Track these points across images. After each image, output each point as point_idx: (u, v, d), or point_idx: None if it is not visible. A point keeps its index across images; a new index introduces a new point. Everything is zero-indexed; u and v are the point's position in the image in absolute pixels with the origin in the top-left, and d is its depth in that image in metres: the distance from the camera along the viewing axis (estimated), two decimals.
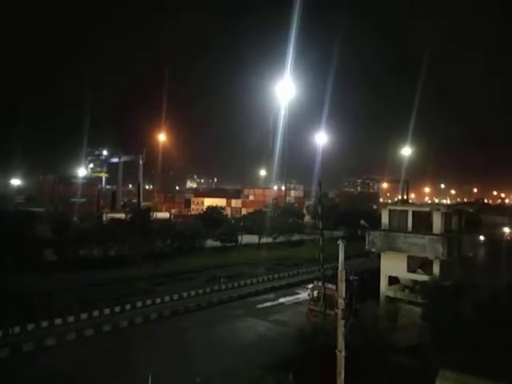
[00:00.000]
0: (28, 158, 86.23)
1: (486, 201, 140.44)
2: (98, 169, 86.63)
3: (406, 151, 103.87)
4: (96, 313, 23.56)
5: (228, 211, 70.18)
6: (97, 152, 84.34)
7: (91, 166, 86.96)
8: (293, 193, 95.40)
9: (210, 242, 45.45)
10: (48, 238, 36.18)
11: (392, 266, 22.16)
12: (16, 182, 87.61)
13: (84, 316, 23.02)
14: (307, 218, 66.45)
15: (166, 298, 27.04)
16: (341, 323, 10.64)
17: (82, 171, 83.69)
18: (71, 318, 22.49)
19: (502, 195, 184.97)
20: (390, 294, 21.98)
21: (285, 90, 71.81)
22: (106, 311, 24.05)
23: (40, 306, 23.04)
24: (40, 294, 24.64)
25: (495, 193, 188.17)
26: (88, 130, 78.42)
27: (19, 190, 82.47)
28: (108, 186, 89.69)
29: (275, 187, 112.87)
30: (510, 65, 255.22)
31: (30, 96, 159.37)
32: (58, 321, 21.99)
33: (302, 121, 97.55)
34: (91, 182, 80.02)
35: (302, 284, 31.47)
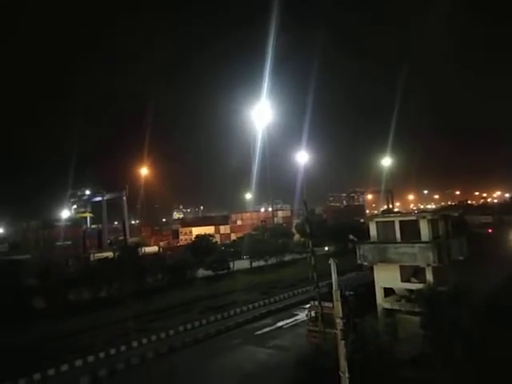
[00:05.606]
0: (11, 205, 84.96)
1: (469, 202, 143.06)
2: (82, 209, 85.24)
3: (386, 161, 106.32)
4: (91, 358, 22.80)
5: (217, 238, 69.62)
6: (79, 193, 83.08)
7: (75, 207, 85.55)
8: (280, 213, 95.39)
9: (201, 272, 44.79)
10: (34, 285, 35.15)
11: (385, 277, 22.10)
12: None
13: (79, 363, 22.23)
14: (297, 237, 66.35)
15: (162, 335, 26.36)
16: (341, 344, 10.50)
17: (65, 213, 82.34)
18: (65, 367, 21.68)
19: (484, 195, 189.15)
20: (387, 305, 21.82)
21: (262, 113, 72.60)
22: (101, 355, 23.31)
23: (31, 357, 22.14)
24: (28, 344, 23.79)
25: (477, 193, 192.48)
26: (71, 172, 77.57)
27: (3, 238, 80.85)
28: (94, 226, 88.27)
29: (262, 209, 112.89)
30: (494, 72, 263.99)
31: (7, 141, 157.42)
32: (51, 371, 21.16)
33: (284, 142, 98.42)
34: (76, 223, 78.63)
35: (299, 305, 31.09)
